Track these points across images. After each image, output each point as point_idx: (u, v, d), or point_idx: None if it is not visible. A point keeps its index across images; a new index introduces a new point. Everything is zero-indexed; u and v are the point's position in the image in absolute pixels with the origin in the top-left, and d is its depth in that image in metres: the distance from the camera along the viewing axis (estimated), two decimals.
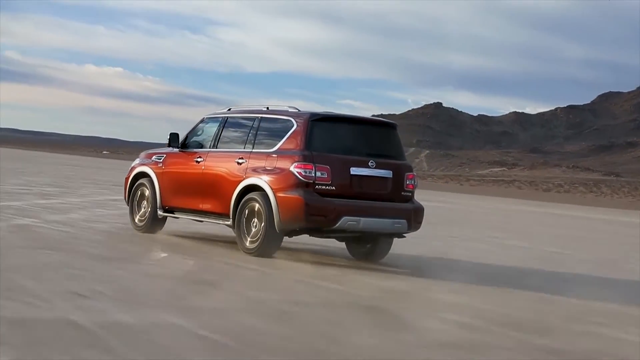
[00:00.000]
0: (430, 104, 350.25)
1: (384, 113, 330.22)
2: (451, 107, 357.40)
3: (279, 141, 12.08)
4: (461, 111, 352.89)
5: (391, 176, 12.26)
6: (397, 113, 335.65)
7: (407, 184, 12.48)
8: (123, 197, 14.80)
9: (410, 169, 12.70)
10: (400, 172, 12.43)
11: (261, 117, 12.66)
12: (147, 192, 13.95)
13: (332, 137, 12.15)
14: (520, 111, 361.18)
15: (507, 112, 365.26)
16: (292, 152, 11.80)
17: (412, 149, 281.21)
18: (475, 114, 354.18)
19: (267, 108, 12.80)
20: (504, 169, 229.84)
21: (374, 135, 12.56)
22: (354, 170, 11.91)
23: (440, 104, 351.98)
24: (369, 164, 12.04)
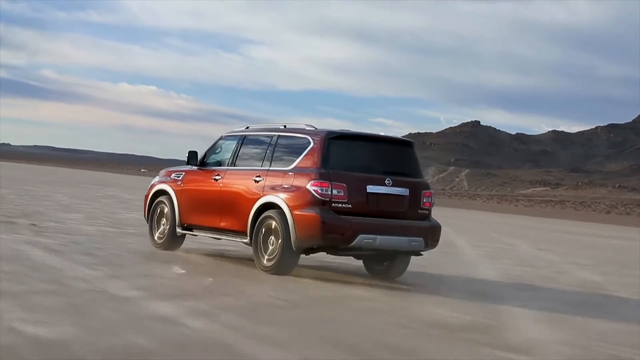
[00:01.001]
0: (468, 123, 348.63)
1: (420, 132, 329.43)
2: (489, 125, 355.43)
3: (296, 159, 12.24)
4: (499, 129, 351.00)
5: (408, 194, 12.36)
6: (434, 131, 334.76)
7: (424, 202, 12.58)
8: (143, 214, 15.04)
9: (427, 187, 12.81)
10: (417, 189, 12.53)
11: (279, 135, 12.84)
12: (166, 210, 14.18)
13: (349, 155, 12.30)
14: (560, 130, 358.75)
15: (546, 131, 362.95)
16: (309, 170, 11.94)
17: (452, 168, 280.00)
18: (514, 133, 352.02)
19: (285, 126, 12.98)
20: (547, 188, 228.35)
21: (391, 153, 12.69)
22: (371, 188, 12.03)
23: (478, 122, 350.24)
24: (386, 181, 12.16)
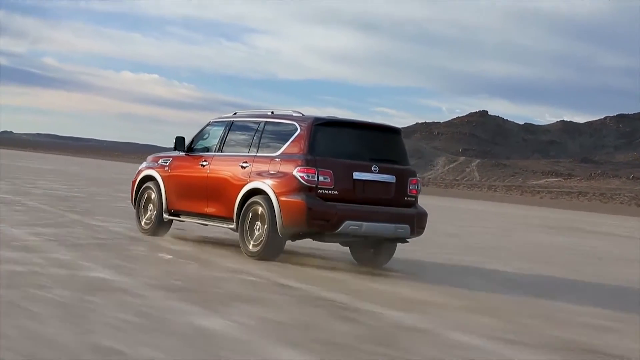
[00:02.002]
0: (476, 112, 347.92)
1: (427, 121, 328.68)
2: (497, 115, 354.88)
3: (283, 145, 12.38)
4: (507, 119, 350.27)
5: (394, 181, 12.50)
6: (442, 121, 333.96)
7: (411, 189, 12.71)
8: (130, 200, 15.20)
9: (414, 174, 12.94)
10: (404, 177, 12.66)
11: (266, 121, 12.98)
12: (153, 196, 14.33)
13: (336, 141, 12.43)
14: (568, 120, 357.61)
15: (554, 121, 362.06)
16: (295, 157, 12.09)
17: (462, 158, 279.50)
18: (522, 123, 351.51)
19: (272, 112, 13.12)
20: (560, 179, 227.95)
21: (378, 140, 12.80)
22: (357, 175, 12.18)
23: (486, 112, 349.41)
24: (372, 168, 12.30)
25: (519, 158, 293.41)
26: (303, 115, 12.63)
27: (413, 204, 12.81)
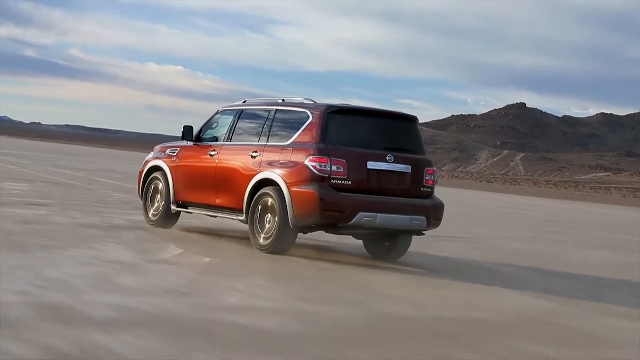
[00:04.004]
0: (513, 105, 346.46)
1: (463, 114, 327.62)
2: (535, 107, 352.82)
3: (294, 134, 12.16)
4: (545, 112, 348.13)
5: (410, 171, 12.26)
6: (478, 113, 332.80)
7: (427, 179, 12.48)
8: (137, 192, 15.05)
9: (430, 164, 12.68)
10: (420, 166, 12.42)
11: (276, 109, 12.78)
12: (160, 186, 14.21)
13: (349, 130, 12.18)
14: (609, 112, 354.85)
15: (594, 114, 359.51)
16: (307, 145, 11.85)
17: (506, 152, 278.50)
18: (560, 115, 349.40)
19: (283, 100, 12.92)
20: (609, 174, 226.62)
21: (393, 129, 12.57)
22: (371, 165, 11.93)
23: (524, 104, 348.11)
24: (387, 158, 12.05)
25: (558, 151, 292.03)
26: (315, 102, 12.40)
27: (429, 194, 12.57)
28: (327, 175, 11.64)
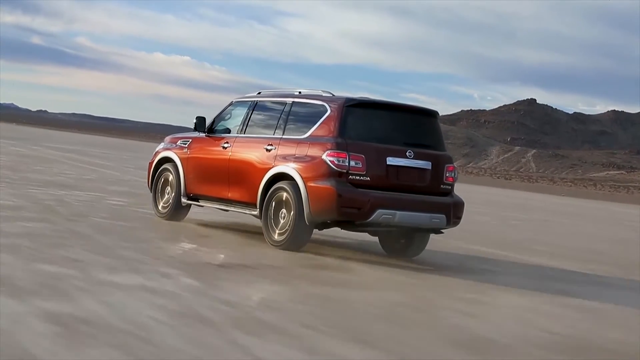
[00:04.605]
0: (523, 101, 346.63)
1: (473, 109, 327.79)
2: (545, 104, 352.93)
3: (311, 127, 11.87)
4: (556, 109, 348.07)
5: (430, 167, 11.98)
6: (488, 109, 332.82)
7: (447, 177, 12.20)
8: (146, 183, 14.80)
9: (450, 160, 12.41)
10: (440, 163, 12.14)
11: (293, 101, 12.49)
12: (170, 178, 13.97)
13: (368, 124, 11.89)
14: (620, 110, 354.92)
15: (604, 111, 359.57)
16: (325, 140, 11.55)
17: (517, 148, 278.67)
18: (571, 112, 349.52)
19: (299, 92, 12.63)
20: (622, 172, 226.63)
21: (413, 124, 12.27)
22: (391, 160, 11.64)
23: (534, 100, 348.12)
24: (407, 153, 11.76)
25: (569, 148, 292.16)
26: (333, 95, 12.12)
27: (449, 192, 12.29)
28: (345, 171, 11.35)
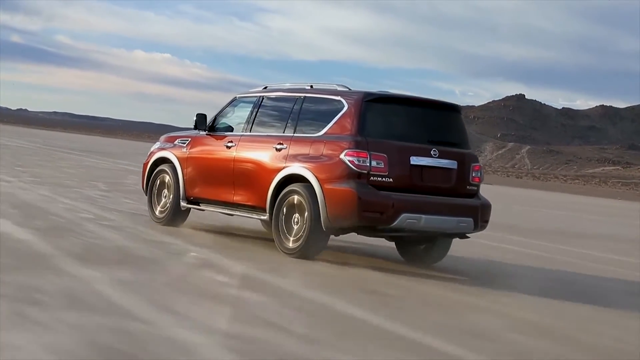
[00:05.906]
0: (512, 96, 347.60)
1: (462, 104, 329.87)
2: (534, 99, 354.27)
3: (326, 124, 11.00)
4: (544, 104, 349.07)
5: (456, 167, 11.15)
6: (477, 105, 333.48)
7: (473, 177, 11.38)
8: (141, 186, 13.89)
9: (476, 159, 11.60)
10: (466, 162, 11.32)
11: (304, 96, 11.58)
12: (167, 179, 13.07)
13: (389, 120, 11.08)
14: (609, 105, 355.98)
15: (593, 106, 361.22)
16: (343, 138, 10.69)
17: (511, 144, 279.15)
18: (560, 107, 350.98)
19: (311, 86, 11.73)
20: (618, 167, 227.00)
21: (437, 120, 11.42)
22: (415, 160, 10.80)
23: (523, 96, 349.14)
24: (432, 152, 10.94)
25: (559, 144, 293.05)
26: (350, 89, 11.25)
27: (475, 193, 11.45)
28: (366, 172, 10.49)
